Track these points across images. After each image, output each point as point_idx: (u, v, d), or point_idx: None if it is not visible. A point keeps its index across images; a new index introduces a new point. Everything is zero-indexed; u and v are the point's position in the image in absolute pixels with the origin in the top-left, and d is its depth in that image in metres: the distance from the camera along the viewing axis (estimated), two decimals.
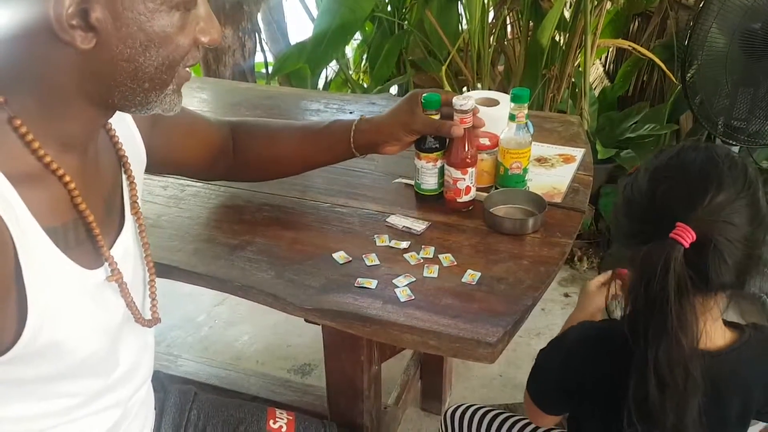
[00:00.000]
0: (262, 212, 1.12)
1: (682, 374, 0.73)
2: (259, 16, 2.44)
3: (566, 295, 2.20)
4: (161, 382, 0.99)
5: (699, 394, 0.74)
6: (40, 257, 0.62)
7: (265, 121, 1.15)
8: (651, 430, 0.76)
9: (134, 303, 0.77)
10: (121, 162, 0.78)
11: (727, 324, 0.84)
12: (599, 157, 2.02)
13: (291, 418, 1.01)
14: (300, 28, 2.49)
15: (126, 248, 0.75)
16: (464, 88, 2.26)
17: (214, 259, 1.00)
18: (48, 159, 0.63)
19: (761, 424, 0.96)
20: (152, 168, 0.91)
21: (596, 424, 0.90)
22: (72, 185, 0.65)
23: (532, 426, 1.11)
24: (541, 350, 0.95)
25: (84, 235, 0.69)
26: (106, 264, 0.72)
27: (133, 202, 0.79)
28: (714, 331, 0.81)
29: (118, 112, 0.70)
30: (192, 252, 1.03)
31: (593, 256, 2.30)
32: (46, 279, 0.62)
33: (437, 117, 1.08)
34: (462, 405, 1.19)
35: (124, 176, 0.78)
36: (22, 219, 0.60)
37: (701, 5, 1.65)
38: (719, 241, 0.72)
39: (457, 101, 1.05)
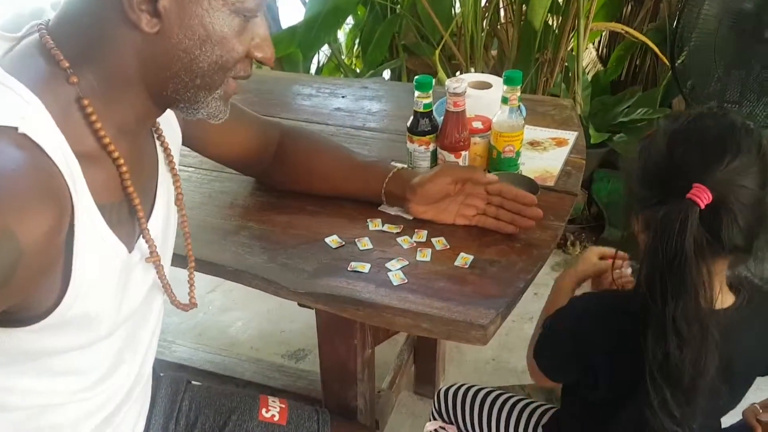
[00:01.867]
0: (255, 197, 1.11)
1: (700, 331, 0.75)
2: None
3: None
4: (154, 370, 0.99)
5: (716, 352, 0.76)
6: (90, 229, 0.65)
7: (317, 135, 1.16)
8: (671, 390, 0.77)
9: (169, 285, 0.80)
10: (163, 155, 0.80)
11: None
12: (592, 141, 2.02)
13: (284, 406, 1.01)
14: (291, 12, 2.47)
15: (156, 235, 0.77)
16: (458, 72, 2.25)
17: (206, 244, 1.00)
18: (107, 140, 0.66)
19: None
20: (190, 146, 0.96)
21: (600, 393, 0.90)
22: (124, 168, 0.68)
23: (525, 401, 1.12)
24: (548, 318, 0.95)
25: (126, 216, 0.72)
26: (141, 243, 0.75)
27: (178, 194, 0.82)
28: (723, 292, 0.83)
29: None
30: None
31: (586, 240, 2.31)
32: (92, 251, 0.65)
33: (429, 100, 1.08)
34: (456, 384, 1.20)
35: (166, 170, 0.80)
36: (81, 192, 0.63)
37: None
38: (734, 204, 0.73)
39: (450, 84, 1.05)
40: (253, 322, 2.11)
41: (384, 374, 1.58)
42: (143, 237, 0.74)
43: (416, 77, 1.07)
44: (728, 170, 0.73)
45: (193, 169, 1.19)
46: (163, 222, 0.80)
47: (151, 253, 0.75)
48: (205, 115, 0.73)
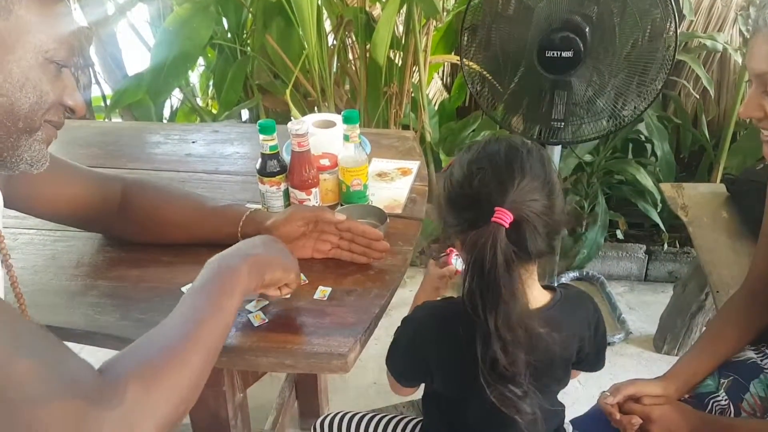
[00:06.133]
0: (103, 253, 1.08)
1: (524, 332, 0.83)
2: (92, 50, 2.33)
3: None
4: None
5: (542, 346, 0.85)
6: None
7: (163, 184, 1.15)
8: (505, 385, 0.85)
9: None
10: None
11: (543, 286, 0.96)
12: (443, 165, 2.15)
13: None
14: (137, 59, 2.41)
15: None
16: (315, 108, 2.31)
17: (52, 308, 0.96)
18: None
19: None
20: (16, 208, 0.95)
21: (445, 397, 0.97)
22: None
23: (397, 419, 1.17)
24: (397, 328, 1.01)
25: None
26: None
27: (4, 255, 0.81)
28: (535, 292, 0.93)
29: None
30: (29, 304, 0.96)
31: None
32: None
33: (275, 142, 1.12)
34: (332, 413, 1.23)
35: None
36: None
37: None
38: (531, 217, 0.83)
39: (292, 126, 1.09)
40: None
41: (268, 414, 1.57)
42: None
43: (259, 121, 1.10)
44: (520, 190, 0.83)
45: (34, 231, 1.14)
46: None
47: None
48: (29, 161, 0.74)
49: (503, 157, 0.86)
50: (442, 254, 1.13)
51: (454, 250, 1.11)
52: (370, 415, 1.19)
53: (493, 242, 0.80)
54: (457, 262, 1.13)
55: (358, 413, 1.21)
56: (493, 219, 0.81)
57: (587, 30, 1.64)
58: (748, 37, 0.88)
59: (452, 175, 0.89)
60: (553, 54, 1.61)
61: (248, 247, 0.88)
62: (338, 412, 1.22)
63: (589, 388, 1.84)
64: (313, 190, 1.15)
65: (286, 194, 1.17)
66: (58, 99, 0.74)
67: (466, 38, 2.02)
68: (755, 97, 0.92)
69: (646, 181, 2.19)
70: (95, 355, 0.72)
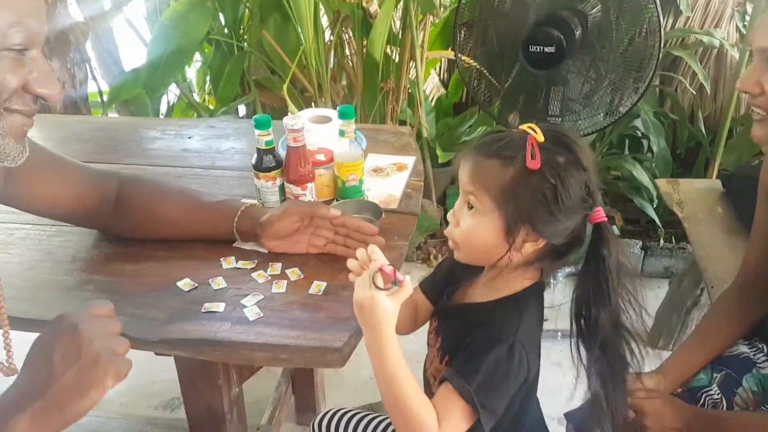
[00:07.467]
0: (98, 248, 1.09)
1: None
2: (89, 45, 2.33)
3: None
4: None
5: None
6: None
7: (159, 180, 1.15)
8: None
9: None
10: None
11: None
12: (440, 161, 2.15)
13: None
14: (134, 54, 2.41)
15: None
16: (312, 104, 2.31)
17: (49, 304, 0.96)
18: None
19: None
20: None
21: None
22: None
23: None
24: (463, 379, 0.83)
25: None
26: None
27: None
28: None
29: None
30: (25, 299, 0.98)
31: (446, 252, 2.45)
32: None
33: (270, 137, 1.12)
34: (329, 411, 1.23)
35: None
36: None
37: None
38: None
39: (287, 121, 1.09)
40: None
41: (264, 409, 1.57)
42: None
43: (254, 116, 1.10)
44: (592, 179, 0.84)
45: (30, 226, 1.14)
46: None
47: None
48: None
49: (579, 157, 0.83)
50: (392, 284, 0.80)
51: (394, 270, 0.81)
52: (371, 415, 1.19)
53: (615, 238, 0.84)
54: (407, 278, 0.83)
55: (358, 412, 1.20)
56: (601, 219, 0.83)
57: (577, 26, 1.63)
58: (755, 21, 0.89)
59: (542, 177, 0.82)
60: (537, 49, 1.61)
61: (33, 382, 0.69)
62: (337, 411, 1.22)
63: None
64: (309, 185, 1.15)
65: (282, 189, 1.17)
66: (19, 86, 0.69)
67: (462, 35, 2.01)
68: (755, 72, 0.91)
69: (642, 176, 2.19)
70: None
